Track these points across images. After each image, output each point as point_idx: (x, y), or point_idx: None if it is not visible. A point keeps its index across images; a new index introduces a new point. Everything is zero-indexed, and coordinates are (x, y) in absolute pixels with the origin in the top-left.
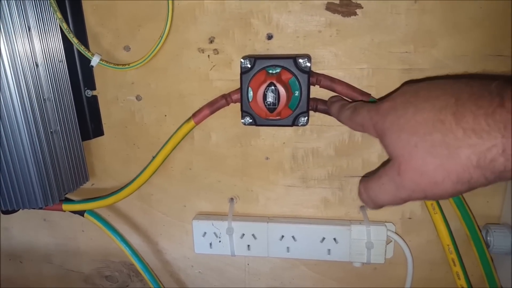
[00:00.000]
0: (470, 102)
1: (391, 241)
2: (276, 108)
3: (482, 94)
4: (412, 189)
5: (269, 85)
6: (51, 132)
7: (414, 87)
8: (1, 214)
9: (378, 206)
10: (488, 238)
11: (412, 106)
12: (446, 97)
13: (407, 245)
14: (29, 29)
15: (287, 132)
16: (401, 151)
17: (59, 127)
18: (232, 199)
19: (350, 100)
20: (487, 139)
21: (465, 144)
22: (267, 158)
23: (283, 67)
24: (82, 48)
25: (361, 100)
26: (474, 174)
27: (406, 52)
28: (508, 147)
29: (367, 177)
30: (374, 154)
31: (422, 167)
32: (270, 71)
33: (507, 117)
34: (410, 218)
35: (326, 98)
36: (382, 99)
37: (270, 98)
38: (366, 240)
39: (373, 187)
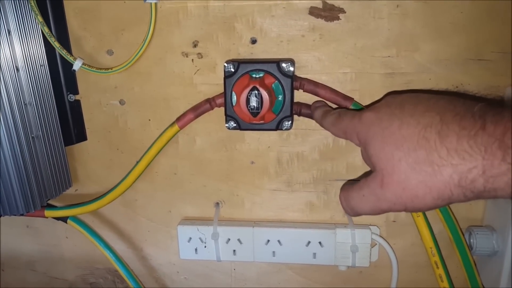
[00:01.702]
0: (454, 123)
1: (376, 244)
2: (259, 112)
3: (465, 115)
4: (393, 202)
5: (252, 89)
6: (33, 137)
7: (399, 99)
8: None
9: (357, 214)
10: (471, 240)
11: (397, 119)
12: (431, 114)
13: (391, 248)
14: (9, 33)
15: (272, 136)
16: (384, 164)
17: (40, 132)
18: (217, 203)
19: (333, 106)
20: (469, 160)
21: (448, 163)
22: (252, 162)
23: (266, 72)
24: (64, 52)
25: (345, 108)
26: (455, 192)
27: (389, 56)
28: (488, 169)
29: (348, 184)
30: (358, 157)
31: (405, 181)
32: (254, 75)
33: (488, 140)
34: (394, 221)
35: (310, 102)
36: (365, 104)
37: (253, 102)
38: (351, 243)
39: (354, 197)
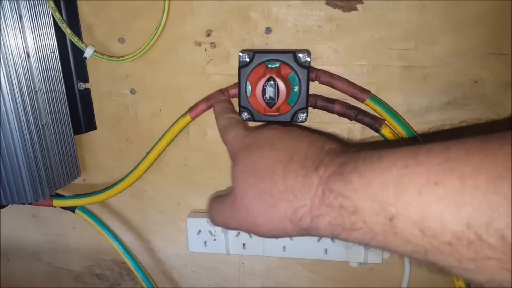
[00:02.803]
0: (298, 162)
1: None
2: (275, 103)
3: (311, 155)
4: (239, 223)
5: (268, 80)
6: (42, 125)
7: (274, 131)
8: None
9: (215, 224)
10: None
11: (260, 150)
12: (288, 150)
13: None
14: (20, 18)
15: None
16: (239, 187)
17: (50, 120)
18: None
19: (350, 99)
20: (300, 198)
21: (285, 199)
22: None
23: (282, 62)
24: (75, 39)
25: (361, 100)
26: (289, 226)
27: (407, 49)
28: (313, 209)
29: (220, 193)
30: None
31: (250, 208)
32: (270, 66)
33: (315, 182)
34: None
35: (325, 95)
36: (382, 97)
37: (270, 93)
38: None
39: (214, 207)
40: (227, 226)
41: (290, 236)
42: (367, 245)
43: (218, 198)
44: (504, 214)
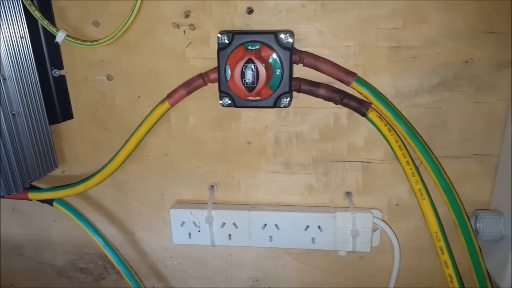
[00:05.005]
0: None
1: (378, 228)
2: (255, 87)
3: None
4: None
5: (247, 62)
6: (13, 114)
7: None
8: None
9: None
10: (478, 224)
11: None
12: None
13: (394, 232)
14: None
15: (270, 114)
16: None
17: (22, 109)
18: (212, 186)
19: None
20: None
21: None
22: (248, 143)
23: (263, 43)
24: (45, 23)
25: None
26: None
27: (395, 28)
28: None
29: None
30: (360, 137)
31: None
32: (249, 47)
33: None
34: (397, 205)
35: (310, 78)
36: (369, 80)
37: (249, 76)
38: (352, 227)
39: None
40: None
41: None
42: None
43: None
44: None
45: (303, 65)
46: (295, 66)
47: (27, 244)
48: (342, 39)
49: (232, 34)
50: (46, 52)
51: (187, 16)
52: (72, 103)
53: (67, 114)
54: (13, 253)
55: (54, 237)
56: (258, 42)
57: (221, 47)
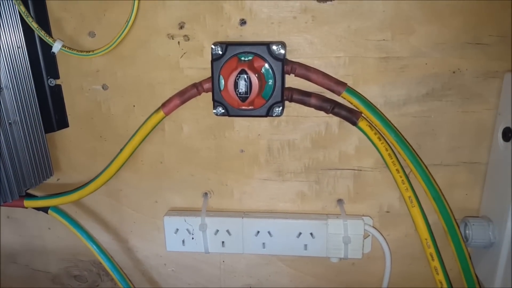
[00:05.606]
0: None
1: (369, 235)
2: (248, 97)
3: None
4: None
5: (240, 73)
6: (10, 123)
7: None
8: None
9: None
10: (467, 231)
11: None
12: None
13: (385, 239)
14: None
15: (262, 123)
16: None
17: (18, 118)
18: (205, 193)
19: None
20: None
21: None
22: (242, 151)
23: (256, 54)
24: (42, 33)
25: (338, 92)
26: None
27: (384, 39)
28: None
29: None
30: (351, 146)
31: None
32: (242, 58)
33: None
34: (388, 212)
35: (302, 88)
36: (359, 89)
37: (242, 86)
38: (343, 234)
39: None
40: None
41: None
42: None
43: None
44: None
45: (295, 75)
46: (287, 76)
47: (22, 251)
48: (333, 50)
49: (226, 45)
50: (42, 62)
51: (181, 27)
52: (68, 112)
53: (63, 123)
54: (7, 261)
55: (48, 245)
56: (251, 53)
57: (215, 58)
